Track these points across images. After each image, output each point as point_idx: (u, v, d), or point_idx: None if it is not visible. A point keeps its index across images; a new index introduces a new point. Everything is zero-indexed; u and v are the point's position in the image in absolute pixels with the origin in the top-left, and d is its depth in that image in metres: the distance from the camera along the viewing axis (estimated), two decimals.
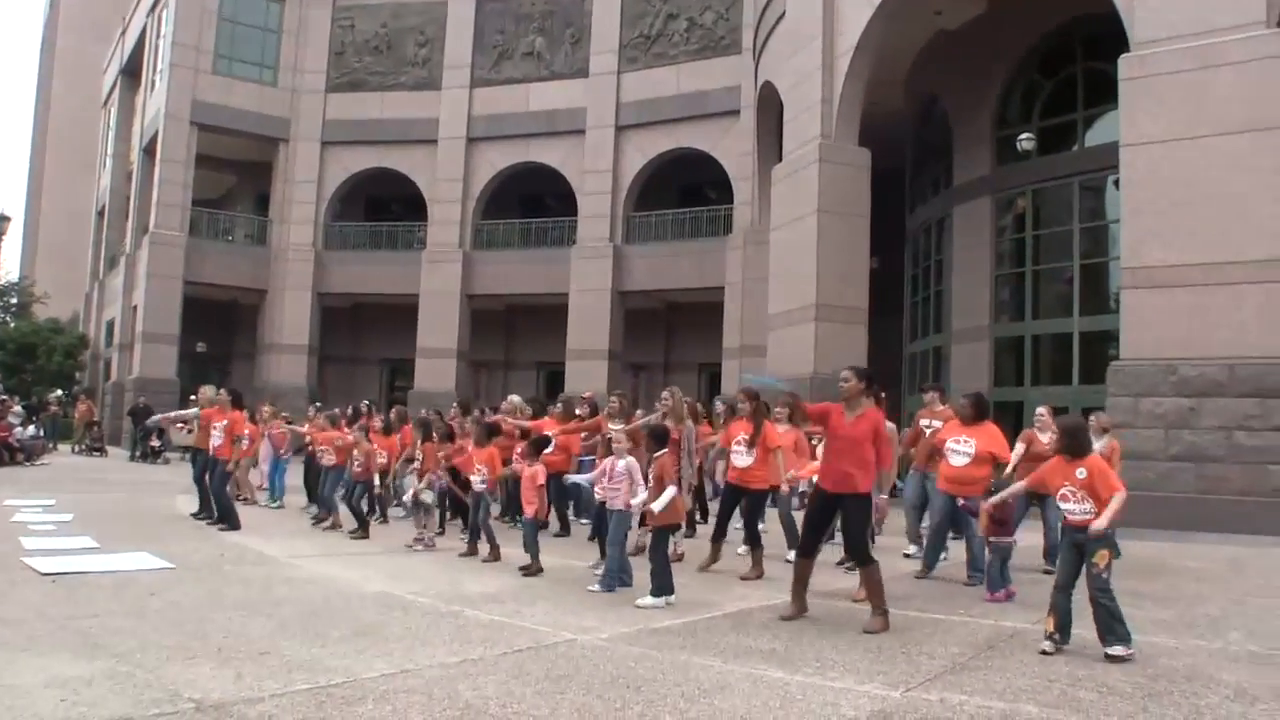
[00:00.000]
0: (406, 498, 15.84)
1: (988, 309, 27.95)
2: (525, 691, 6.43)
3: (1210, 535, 16.93)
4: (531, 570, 11.85)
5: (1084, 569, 8.11)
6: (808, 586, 9.39)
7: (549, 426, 16.16)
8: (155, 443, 33.86)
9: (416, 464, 15.13)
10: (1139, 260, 19.36)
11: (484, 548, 13.00)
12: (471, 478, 13.55)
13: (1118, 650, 7.82)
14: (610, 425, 14.19)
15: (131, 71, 51.15)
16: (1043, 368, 27.00)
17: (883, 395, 12.13)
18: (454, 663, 7.19)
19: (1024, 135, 26.49)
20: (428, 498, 14.37)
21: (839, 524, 10.54)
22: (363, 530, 15.14)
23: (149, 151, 44.26)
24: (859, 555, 9.27)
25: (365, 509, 16.07)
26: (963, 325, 28.59)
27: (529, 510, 12.37)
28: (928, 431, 13.89)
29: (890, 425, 10.94)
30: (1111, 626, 7.93)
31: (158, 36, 44.90)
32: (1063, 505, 8.32)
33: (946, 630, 8.91)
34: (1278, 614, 10.27)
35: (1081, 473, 8.17)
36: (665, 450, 10.56)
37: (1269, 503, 17.71)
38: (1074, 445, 8.39)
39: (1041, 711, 6.33)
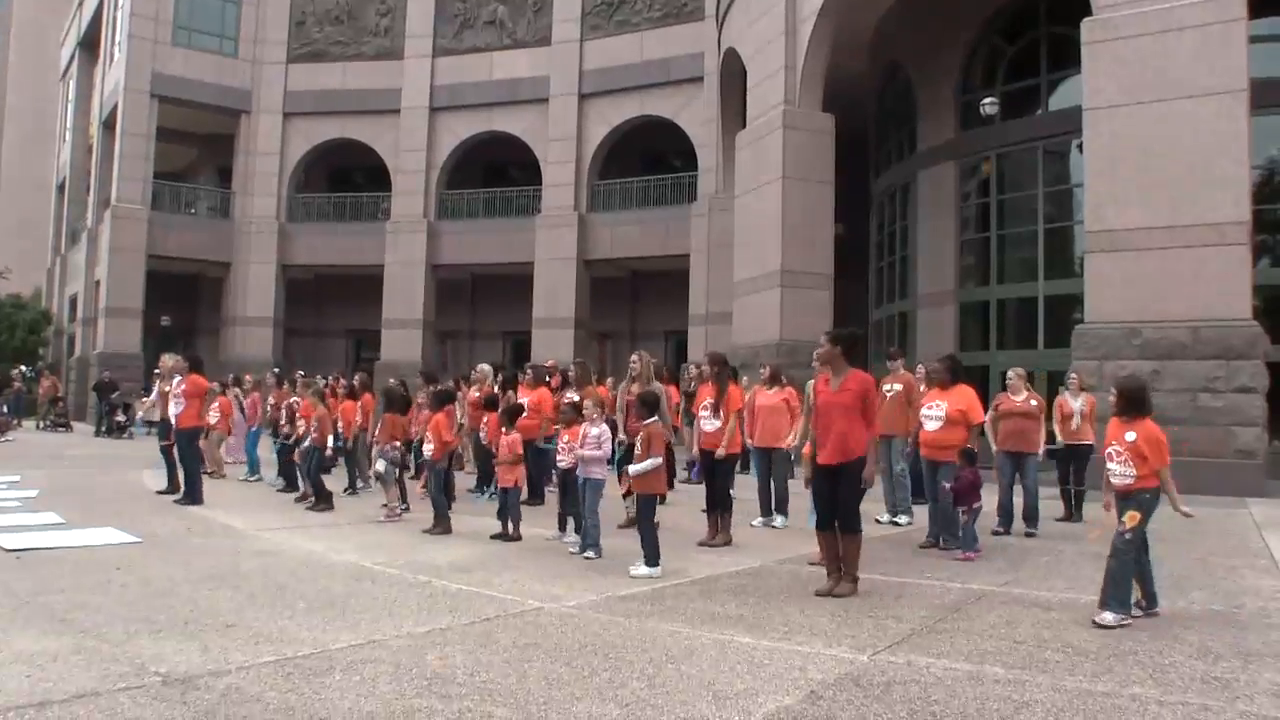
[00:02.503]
0: (373, 470, 15.79)
1: (953, 274, 28.06)
2: (493, 660, 6.43)
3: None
4: (511, 537, 11.90)
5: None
6: (839, 558, 9.15)
7: (523, 395, 16.16)
8: (120, 417, 33.66)
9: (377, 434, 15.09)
10: (1102, 224, 19.46)
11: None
12: (425, 447, 13.55)
13: (1105, 618, 7.70)
14: (569, 394, 14.33)
15: (89, 44, 50.62)
16: (1008, 332, 27.13)
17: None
18: (422, 633, 7.19)
19: (988, 99, 26.50)
20: (380, 467, 14.35)
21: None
22: (324, 502, 14.98)
23: (109, 124, 43.82)
24: (847, 523, 9.02)
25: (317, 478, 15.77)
26: (928, 290, 28.68)
27: (507, 479, 12.36)
28: (888, 395, 14.17)
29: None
30: (1109, 589, 7.82)
31: (115, 8, 44.39)
32: (1108, 465, 8.17)
33: (914, 594, 8.96)
34: (1239, 573, 10.38)
35: (1131, 436, 8.01)
36: (654, 418, 10.54)
37: (1232, 464, 17.88)
38: (1128, 407, 8.19)
39: (1008, 673, 6.37)
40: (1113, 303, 19.25)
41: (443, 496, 13.07)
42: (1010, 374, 14.09)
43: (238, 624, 7.26)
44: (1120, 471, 8.05)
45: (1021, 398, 13.61)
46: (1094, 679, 6.29)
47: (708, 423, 12.49)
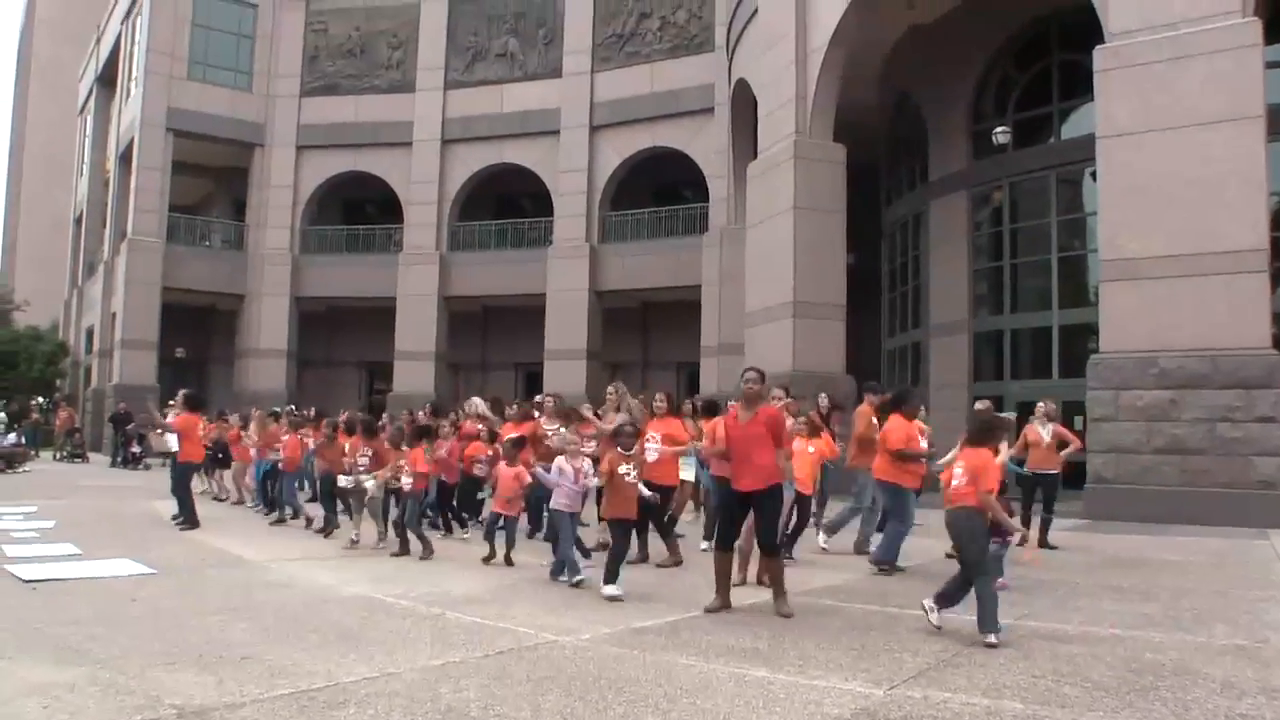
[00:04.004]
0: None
1: (966, 303, 28.03)
2: (507, 694, 6.39)
3: (1193, 528, 16.96)
4: (489, 557, 12.39)
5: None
6: (730, 579, 9.87)
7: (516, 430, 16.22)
8: (136, 449, 33.75)
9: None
10: (1117, 252, 19.41)
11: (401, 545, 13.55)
12: (403, 479, 13.65)
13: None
14: (546, 426, 14.63)
15: (107, 79, 51.02)
16: (1022, 361, 27.09)
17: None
18: (435, 665, 7.14)
19: (1000, 129, 26.55)
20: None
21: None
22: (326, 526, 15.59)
23: (125, 158, 44.18)
24: (767, 545, 9.84)
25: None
26: (941, 320, 28.65)
27: (509, 508, 12.64)
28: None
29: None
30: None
31: (132, 44, 44.85)
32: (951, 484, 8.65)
33: (928, 627, 8.90)
34: (1262, 607, 10.27)
35: (959, 466, 8.57)
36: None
37: (1252, 495, 17.75)
38: (974, 436, 8.81)
39: (1027, 708, 6.30)
40: (1128, 332, 19.17)
41: (416, 524, 13.58)
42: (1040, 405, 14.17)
43: (252, 656, 7.23)
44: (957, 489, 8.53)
45: (1048, 430, 13.78)
46: (1114, 714, 6.21)
47: (650, 454, 12.86)
